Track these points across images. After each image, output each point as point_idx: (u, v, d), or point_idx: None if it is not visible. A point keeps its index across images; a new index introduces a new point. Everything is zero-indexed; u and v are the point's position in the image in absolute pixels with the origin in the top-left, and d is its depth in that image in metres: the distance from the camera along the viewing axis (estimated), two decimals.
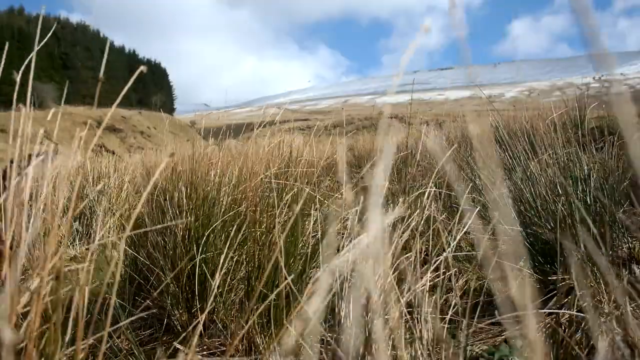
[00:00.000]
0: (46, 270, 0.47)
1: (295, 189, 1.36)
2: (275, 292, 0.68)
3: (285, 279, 0.76)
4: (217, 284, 1.04)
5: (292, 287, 0.75)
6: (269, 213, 1.32)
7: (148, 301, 1.35)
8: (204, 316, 0.63)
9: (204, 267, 1.38)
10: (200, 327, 0.55)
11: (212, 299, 0.84)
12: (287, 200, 1.32)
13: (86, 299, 0.49)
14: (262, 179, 1.47)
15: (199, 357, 1.29)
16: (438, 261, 0.77)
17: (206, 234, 1.43)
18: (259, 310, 1.05)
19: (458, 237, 0.80)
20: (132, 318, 0.79)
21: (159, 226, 1.48)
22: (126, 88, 0.51)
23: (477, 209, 1.92)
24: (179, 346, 1.09)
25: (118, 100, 0.53)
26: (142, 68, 0.51)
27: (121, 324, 0.75)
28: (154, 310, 1.55)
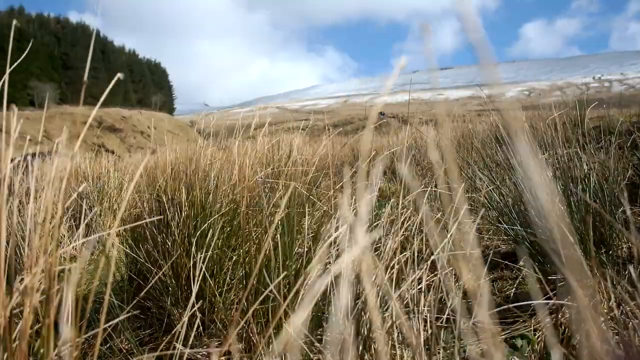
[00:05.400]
0: (38, 269, 0.47)
1: (291, 189, 1.36)
2: (268, 289, 0.68)
3: (280, 278, 0.76)
4: (199, 278, 1.04)
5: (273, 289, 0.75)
6: (266, 213, 1.32)
7: (142, 294, 1.35)
8: (189, 309, 0.63)
9: (203, 267, 1.38)
10: (194, 322, 0.54)
11: (194, 293, 0.84)
12: (284, 200, 1.32)
13: (73, 295, 0.49)
14: (260, 178, 1.47)
15: (199, 356, 1.29)
16: (431, 260, 0.77)
17: (205, 234, 1.43)
18: (254, 306, 1.05)
19: (451, 235, 0.80)
20: (126, 314, 0.79)
21: (155, 218, 1.48)
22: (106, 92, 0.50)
23: (474, 208, 1.92)
24: (178, 345, 1.09)
25: (99, 103, 0.53)
26: (119, 75, 0.51)
27: (117, 320, 0.75)
28: (154, 310, 1.55)
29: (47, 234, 0.51)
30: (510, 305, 1.18)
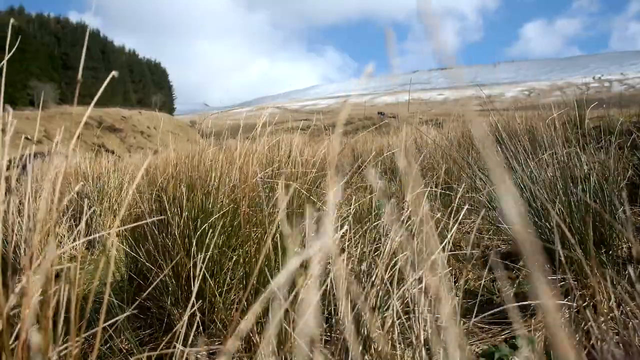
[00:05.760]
0: (32, 269, 0.47)
1: (292, 189, 1.36)
2: (268, 289, 0.68)
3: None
4: (199, 278, 1.04)
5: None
6: (266, 213, 1.33)
7: (144, 295, 1.35)
8: (189, 309, 0.63)
9: (203, 267, 1.38)
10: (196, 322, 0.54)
11: (195, 293, 0.84)
12: (284, 199, 1.32)
13: (74, 295, 0.49)
14: (261, 178, 1.47)
15: (199, 356, 1.29)
16: (431, 260, 0.77)
17: (205, 234, 1.43)
18: (255, 306, 1.04)
19: (451, 235, 0.80)
20: (127, 314, 0.79)
21: (155, 219, 1.48)
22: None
23: (474, 208, 1.92)
24: (178, 345, 1.09)
25: (93, 102, 0.53)
26: (114, 73, 0.51)
27: (116, 319, 0.75)
28: (154, 310, 1.55)
29: (44, 233, 0.51)
30: (510, 305, 1.18)
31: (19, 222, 1.50)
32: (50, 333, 0.48)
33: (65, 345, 0.51)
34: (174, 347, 0.76)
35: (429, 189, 1.22)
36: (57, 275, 0.60)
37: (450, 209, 0.92)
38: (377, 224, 1.04)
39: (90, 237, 2.31)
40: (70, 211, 2.60)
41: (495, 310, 1.06)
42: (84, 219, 0.68)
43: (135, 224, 1.61)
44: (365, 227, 1.07)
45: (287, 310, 0.98)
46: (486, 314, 1.02)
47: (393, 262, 0.84)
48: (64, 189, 0.53)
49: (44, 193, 0.49)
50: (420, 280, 0.78)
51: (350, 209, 1.20)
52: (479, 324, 1.29)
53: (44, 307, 0.48)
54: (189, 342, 0.81)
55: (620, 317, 0.77)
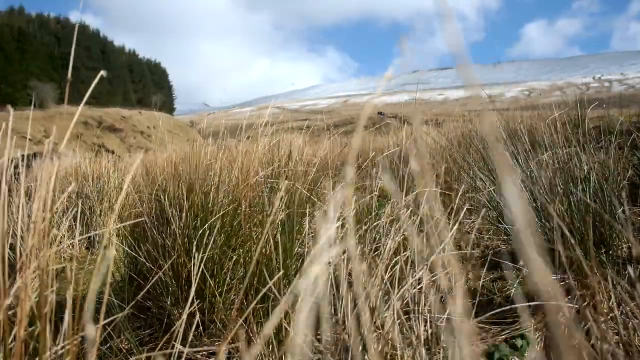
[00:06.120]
0: (30, 270, 0.47)
1: (292, 189, 1.36)
2: (267, 287, 0.68)
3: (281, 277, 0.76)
4: (196, 277, 1.04)
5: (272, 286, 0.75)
6: (267, 213, 1.32)
7: (142, 293, 1.35)
8: (188, 308, 0.63)
9: (203, 267, 1.38)
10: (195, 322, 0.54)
11: (193, 290, 0.83)
12: (283, 199, 1.32)
13: (69, 296, 0.49)
14: (261, 177, 1.47)
15: (199, 356, 1.29)
16: (431, 260, 0.77)
17: (205, 234, 1.43)
18: (253, 304, 1.05)
19: (450, 235, 0.80)
20: (125, 312, 0.79)
21: (154, 216, 1.48)
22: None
23: (475, 208, 1.92)
24: (179, 346, 1.09)
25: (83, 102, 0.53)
26: (102, 72, 0.51)
27: (116, 316, 0.74)
28: (154, 310, 1.55)
29: (40, 234, 0.51)
30: (511, 306, 1.18)
31: (16, 222, 1.50)
32: (47, 334, 0.48)
33: (61, 344, 0.51)
34: (173, 347, 0.76)
35: (428, 189, 1.22)
36: (56, 276, 0.60)
37: (450, 209, 0.92)
38: (377, 224, 1.04)
39: (87, 235, 2.31)
40: (70, 212, 2.60)
41: (497, 310, 1.06)
42: (83, 219, 0.68)
43: (133, 221, 1.61)
44: (366, 227, 1.07)
45: (287, 309, 0.98)
46: (487, 314, 1.02)
47: (393, 262, 0.84)
48: (64, 189, 0.53)
49: (38, 193, 0.49)
50: (420, 280, 0.78)
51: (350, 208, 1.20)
52: (479, 324, 1.29)
53: (40, 307, 0.48)
54: (189, 342, 0.81)
55: (620, 317, 0.77)
